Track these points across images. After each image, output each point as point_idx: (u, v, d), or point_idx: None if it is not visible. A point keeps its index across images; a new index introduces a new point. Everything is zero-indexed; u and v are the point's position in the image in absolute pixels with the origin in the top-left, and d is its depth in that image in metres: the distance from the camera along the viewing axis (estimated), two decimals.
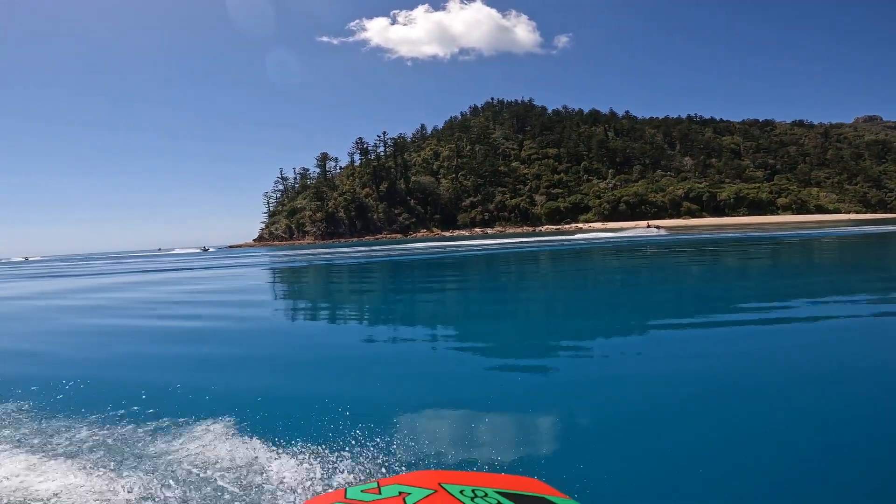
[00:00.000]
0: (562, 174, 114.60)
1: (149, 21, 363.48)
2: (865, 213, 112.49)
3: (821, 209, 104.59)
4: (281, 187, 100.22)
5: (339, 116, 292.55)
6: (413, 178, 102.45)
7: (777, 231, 38.50)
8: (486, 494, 0.84)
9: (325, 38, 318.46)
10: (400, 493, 0.85)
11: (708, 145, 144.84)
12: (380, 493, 0.86)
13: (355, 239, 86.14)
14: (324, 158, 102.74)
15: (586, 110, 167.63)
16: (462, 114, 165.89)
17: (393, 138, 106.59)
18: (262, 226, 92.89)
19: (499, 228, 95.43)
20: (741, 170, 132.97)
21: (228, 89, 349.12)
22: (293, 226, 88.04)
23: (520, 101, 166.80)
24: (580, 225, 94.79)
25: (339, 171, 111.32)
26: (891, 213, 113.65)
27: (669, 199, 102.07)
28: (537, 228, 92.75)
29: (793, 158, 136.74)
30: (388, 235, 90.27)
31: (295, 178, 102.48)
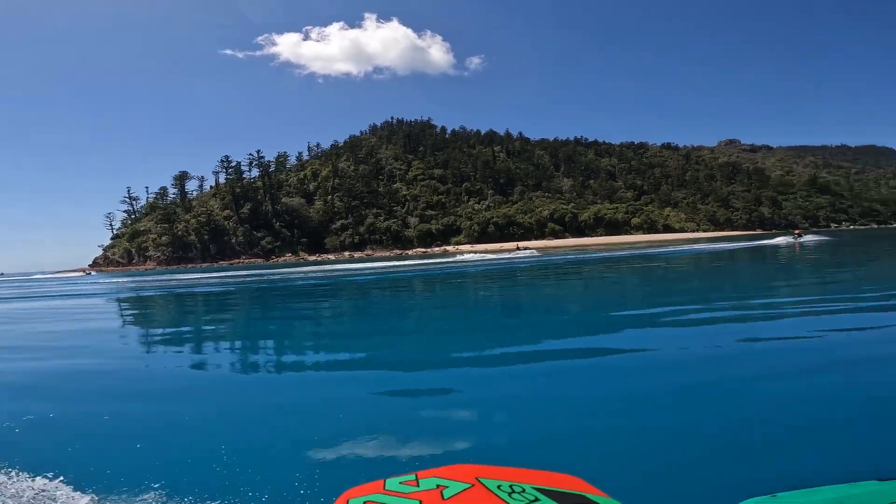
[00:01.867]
0: (442, 195, 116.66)
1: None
2: (713, 230, 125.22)
3: (668, 228, 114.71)
4: (128, 208, 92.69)
5: (239, 133, 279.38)
6: (283, 199, 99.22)
7: (627, 250, 40.40)
8: (523, 490, 0.84)
9: (228, 51, 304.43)
10: (437, 485, 0.86)
11: (588, 167, 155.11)
12: (418, 486, 0.87)
13: (207, 264, 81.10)
14: (182, 178, 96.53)
15: (486, 131, 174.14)
16: (362, 132, 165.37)
17: (261, 158, 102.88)
18: (101, 250, 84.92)
19: (368, 252, 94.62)
20: (614, 190, 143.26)
21: (112, 99, 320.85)
22: (134, 250, 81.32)
23: (419, 121, 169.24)
24: (448, 247, 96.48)
25: (209, 190, 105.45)
26: (735, 230, 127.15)
27: (536, 220, 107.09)
28: (404, 252, 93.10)
29: (658, 180, 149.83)
30: (247, 260, 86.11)
31: (148, 199, 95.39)
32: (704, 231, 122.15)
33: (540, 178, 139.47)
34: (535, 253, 41.11)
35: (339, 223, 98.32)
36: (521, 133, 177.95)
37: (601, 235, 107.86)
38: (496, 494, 0.83)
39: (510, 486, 0.85)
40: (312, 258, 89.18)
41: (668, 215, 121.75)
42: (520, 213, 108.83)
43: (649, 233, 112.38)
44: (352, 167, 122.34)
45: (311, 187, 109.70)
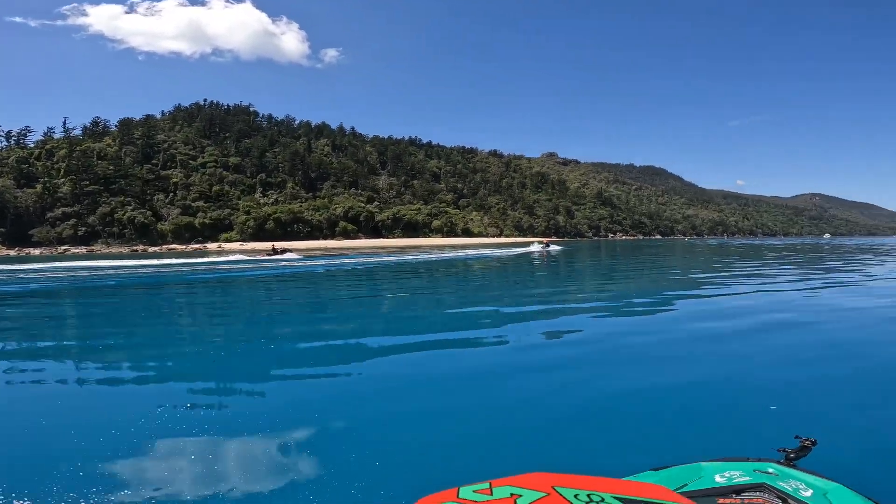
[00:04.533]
0: (226, 186, 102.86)
1: None
2: (516, 236, 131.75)
3: (467, 232, 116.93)
4: None
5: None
6: None
7: (397, 254, 37.11)
8: (602, 500, 0.80)
9: (17, 19, 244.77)
10: (511, 494, 0.83)
11: (415, 167, 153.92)
12: (491, 494, 0.84)
13: None
14: None
15: (318, 123, 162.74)
16: (164, 113, 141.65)
17: None
18: None
19: (99, 247, 77.36)
20: (434, 192, 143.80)
21: None
22: None
23: (237, 106, 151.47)
24: (209, 245, 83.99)
25: None
26: (535, 237, 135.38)
27: (326, 217, 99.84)
28: (146, 249, 78.01)
29: (477, 184, 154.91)
30: None
31: None
32: (507, 236, 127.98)
33: (358, 176, 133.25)
34: (294, 255, 33.92)
35: (59, 211, 78.90)
36: (353, 128, 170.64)
37: (398, 237, 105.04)
38: None
39: (588, 496, 0.81)
40: (5, 253, 69.49)
41: (471, 219, 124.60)
42: (310, 209, 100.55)
43: (448, 236, 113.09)
44: (114, 149, 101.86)
45: (39, 168, 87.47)
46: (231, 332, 7.84)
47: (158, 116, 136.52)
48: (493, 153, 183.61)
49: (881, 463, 2.74)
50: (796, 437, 1.64)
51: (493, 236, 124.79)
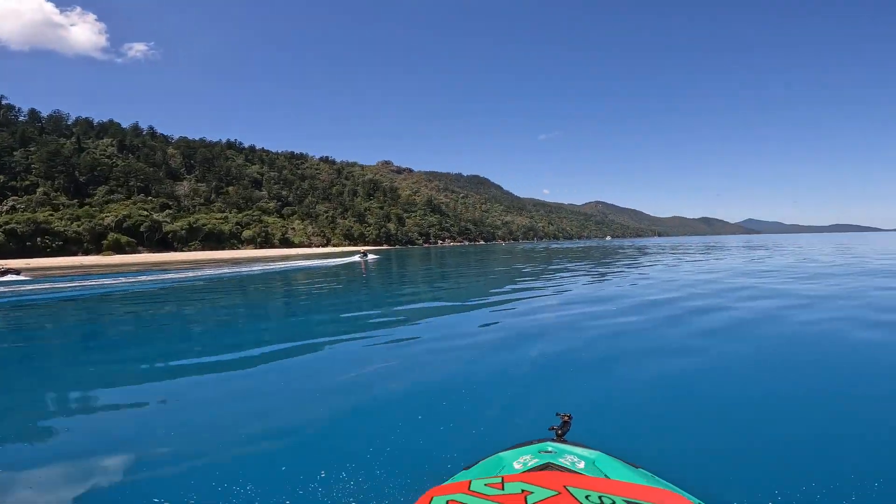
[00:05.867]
0: None
1: None
2: (345, 245, 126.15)
3: (286, 242, 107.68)
4: None
5: None
6: None
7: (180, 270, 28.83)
8: (612, 503, 0.80)
9: None
10: (523, 490, 0.84)
11: (231, 173, 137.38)
12: (503, 489, 0.85)
13: None
14: None
15: (103, 121, 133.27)
16: None
17: None
18: None
19: None
20: (255, 200, 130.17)
21: None
22: None
23: None
24: None
25: None
26: (367, 245, 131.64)
27: (88, 228, 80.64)
28: None
29: (305, 192, 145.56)
30: None
31: None
32: (335, 245, 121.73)
33: (151, 180, 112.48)
34: (19, 277, 24.84)
35: None
36: (151, 127, 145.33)
37: (195, 250, 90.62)
38: None
39: (599, 498, 0.81)
40: None
41: (292, 228, 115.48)
42: (64, 219, 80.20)
43: (262, 247, 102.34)
44: None
45: None
46: None
47: None
48: (325, 159, 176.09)
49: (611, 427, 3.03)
50: (557, 414, 1.71)
51: (319, 246, 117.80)
